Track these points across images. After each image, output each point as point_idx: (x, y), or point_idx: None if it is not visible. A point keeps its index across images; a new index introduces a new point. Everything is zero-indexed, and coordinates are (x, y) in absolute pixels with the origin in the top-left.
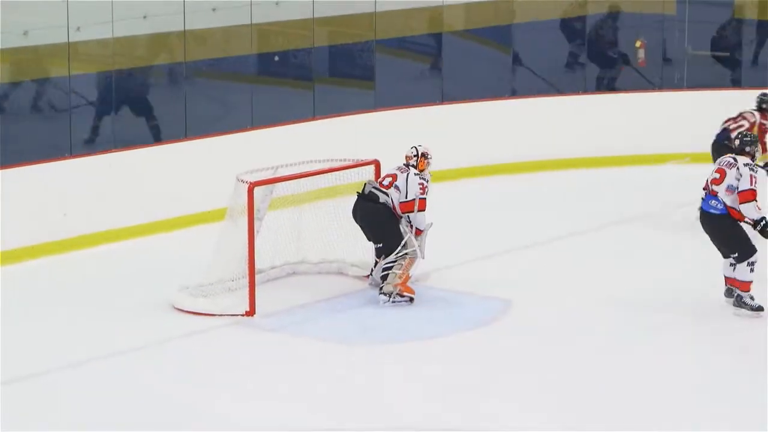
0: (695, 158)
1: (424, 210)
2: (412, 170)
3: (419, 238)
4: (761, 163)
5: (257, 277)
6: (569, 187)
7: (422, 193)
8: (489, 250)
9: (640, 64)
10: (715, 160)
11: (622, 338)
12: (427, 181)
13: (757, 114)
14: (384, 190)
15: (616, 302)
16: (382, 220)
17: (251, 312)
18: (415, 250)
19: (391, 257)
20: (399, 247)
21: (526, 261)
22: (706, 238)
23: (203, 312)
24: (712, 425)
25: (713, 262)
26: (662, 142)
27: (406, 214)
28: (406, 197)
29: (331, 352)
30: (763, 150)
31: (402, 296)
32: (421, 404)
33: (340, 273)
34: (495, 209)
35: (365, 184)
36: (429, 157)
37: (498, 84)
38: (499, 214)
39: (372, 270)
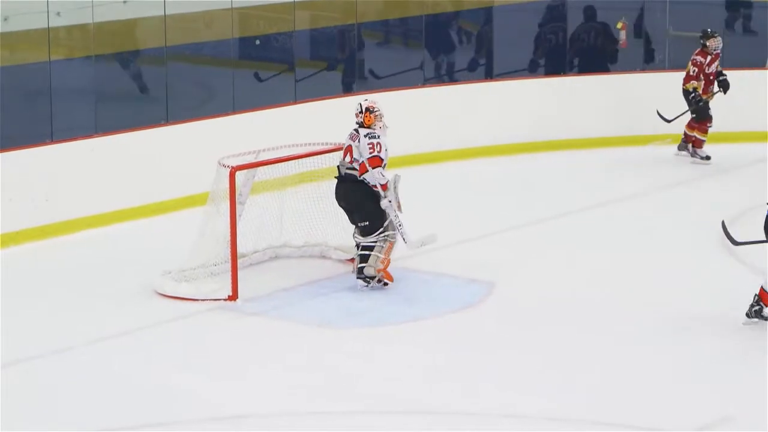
0: (677, 139)
1: (378, 166)
2: (362, 133)
3: (386, 193)
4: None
5: (240, 261)
6: (552, 169)
7: (372, 152)
8: (472, 232)
9: (621, 46)
10: None
11: (606, 319)
12: (379, 137)
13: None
14: (354, 166)
15: (599, 284)
16: (363, 199)
17: (234, 296)
18: (395, 234)
19: (372, 237)
20: (381, 228)
21: (510, 243)
22: (688, 218)
23: (186, 297)
24: (699, 400)
25: (697, 244)
26: (644, 124)
27: (362, 176)
28: (362, 158)
29: (315, 336)
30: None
31: (380, 282)
32: (407, 387)
33: (323, 257)
34: (478, 192)
35: (338, 166)
36: (375, 110)
37: (480, 66)
38: (482, 197)
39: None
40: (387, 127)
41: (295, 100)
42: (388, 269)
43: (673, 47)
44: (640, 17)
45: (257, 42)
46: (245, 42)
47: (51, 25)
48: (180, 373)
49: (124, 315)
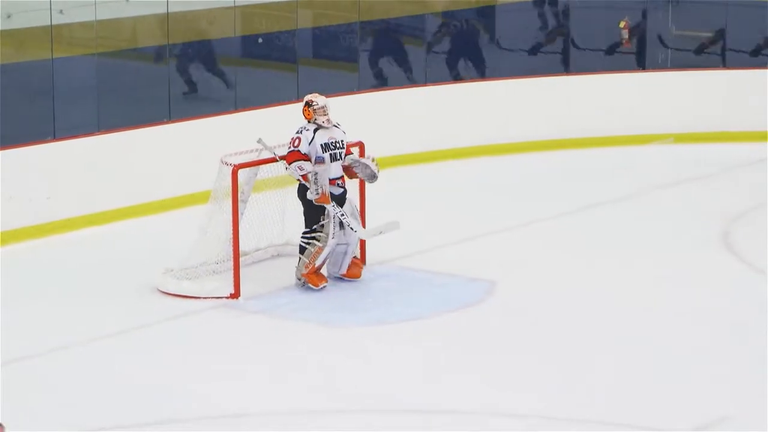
0: (679, 138)
1: (296, 160)
2: (303, 129)
3: (309, 184)
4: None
5: (242, 259)
6: (553, 168)
7: (289, 147)
8: (472, 231)
9: (624, 45)
10: None
11: (605, 319)
12: (307, 130)
13: None
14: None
15: (599, 283)
16: (302, 198)
17: (236, 294)
18: (326, 238)
19: (303, 238)
20: (308, 230)
21: (510, 243)
22: (689, 219)
23: (188, 295)
24: (698, 400)
25: (697, 244)
26: (647, 122)
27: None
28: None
29: (318, 334)
30: None
31: (306, 286)
32: (406, 386)
33: None
34: (477, 191)
35: None
36: (313, 104)
37: (481, 65)
38: (480, 195)
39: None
40: (332, 122)
41: (298, 98)
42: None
43: (675, 46)
44: (643, 16)
45: (260, 40)
46: (248, 40)
47: (54, 22)
48: (182, 372)
49: (126, 313)
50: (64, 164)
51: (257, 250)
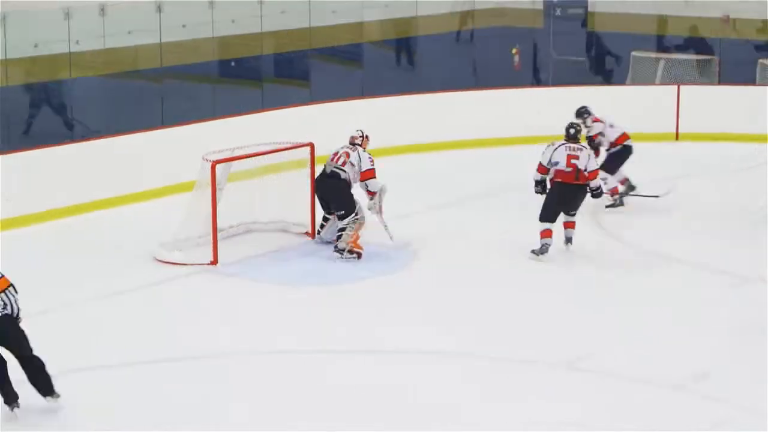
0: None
1: (375, 177)
2: (359, 148)
3: (374, 198)
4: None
5: (219, 234)
6: (463, 163)
7: (372, 164)
8: (404, 210)
9: (516, 67)
10: None
11: (519, 276)
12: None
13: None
14: (342, 168)
15: (512, 251)
16: (344, 193)
17: (215, 261)
18: (364, 216)
19: (347, 220)
20: (353, 214)
21: (434, 220)
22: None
23: (178, 262)
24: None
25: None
26: (537, 129)
27: (364, 182)
28: (361, 169)
29: (281, 292)
30: None
31: (351, 252)
32: (351, 328)
33: (284, 231)
34: (408, 180)
35: (327, 163)
36: (368, 138)
37: (409, 83)
38: (409, 184)
39: (319, 231)
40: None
41: (263, 107)
42: (359, 242)
43: (556, 68)
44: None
45: (233, 63)
46: (223, 63)
47: (72, 50)
48: (171, 319)
49: (131, 275)
50: (83, 161)
51: (231, 227)
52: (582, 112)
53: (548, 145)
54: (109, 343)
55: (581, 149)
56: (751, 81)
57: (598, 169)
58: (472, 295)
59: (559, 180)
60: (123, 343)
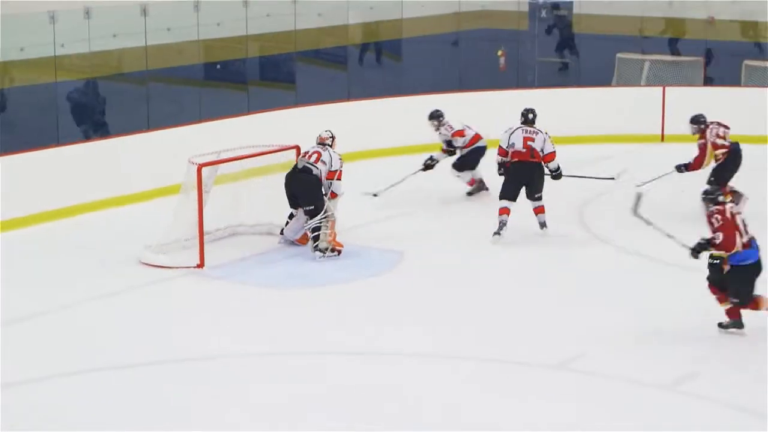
0: None
1: (341, 179)
2: (329, 148)
3: (334, 201)
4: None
5: (205, 237)
6: (447, 165)
7: (341, 166)
8: (389, 212)
9: (501, 69)
10: None
11: (507, 275)
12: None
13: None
14: (315, 164)
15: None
16: (315, 188)
17: (201, 264)
18: (333, 213)
19: (317, 218)
20: (323, 211)
21: (419, 221)
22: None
23: (163, 265)
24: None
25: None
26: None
27: (329, 181)
28: (331, 167)
29: (267, 294)
30: None
31: (333, 251)
32: (336, 331)
33: (270, 233)
34: (393, 181)
35: (298, 159)
36: (335, 138)
37: (394, 85)
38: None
39: (282, 229)
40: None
41: (249, 110)
42: (337, 239)
43: (540, 70)
44: (515, 46)
45: (218, 66)
46: (209, 67)
47: (57, 53)
48: (158, 322)
49: (115, 278)
50: (70, 164)
51: (217, 230)
52: (437, 116)
53: (506, 130)
54: (99, 346)
55: (537, 132)
56: (736, 82)
57: (554, 152)
58: (459, 296)
59: (516, 159)
60: (112, 345)
